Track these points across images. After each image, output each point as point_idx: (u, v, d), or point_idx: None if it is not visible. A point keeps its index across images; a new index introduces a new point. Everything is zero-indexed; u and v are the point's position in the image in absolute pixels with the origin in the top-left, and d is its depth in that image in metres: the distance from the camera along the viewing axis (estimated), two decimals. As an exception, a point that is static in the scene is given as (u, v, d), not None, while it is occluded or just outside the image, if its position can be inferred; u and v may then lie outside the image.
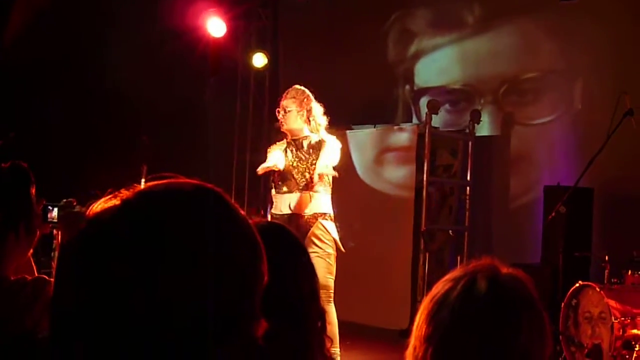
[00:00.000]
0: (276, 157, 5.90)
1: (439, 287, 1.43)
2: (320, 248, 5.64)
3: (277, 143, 6.09)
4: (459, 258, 8.32)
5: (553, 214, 6.34)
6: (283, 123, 5.96)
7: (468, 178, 8.62)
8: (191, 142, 9.59)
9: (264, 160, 5.95)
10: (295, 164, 5.88)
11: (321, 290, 5.02)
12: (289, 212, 5.80)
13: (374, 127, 8.78)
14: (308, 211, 5.76)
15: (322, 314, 2.03)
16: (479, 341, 1.37)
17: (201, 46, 9.19)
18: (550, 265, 6.89)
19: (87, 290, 1.01)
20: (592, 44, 7.88)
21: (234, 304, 1.06)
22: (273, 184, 6.08)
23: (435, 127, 8.43)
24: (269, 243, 1.16)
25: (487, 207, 8.74)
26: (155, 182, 1.11)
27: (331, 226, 5.75)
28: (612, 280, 6.16)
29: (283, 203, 5.87)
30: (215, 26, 9.20)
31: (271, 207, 6.11)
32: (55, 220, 3.05)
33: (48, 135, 8.66)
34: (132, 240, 1.02)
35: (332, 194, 5.83)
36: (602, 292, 5.90)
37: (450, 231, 8.63)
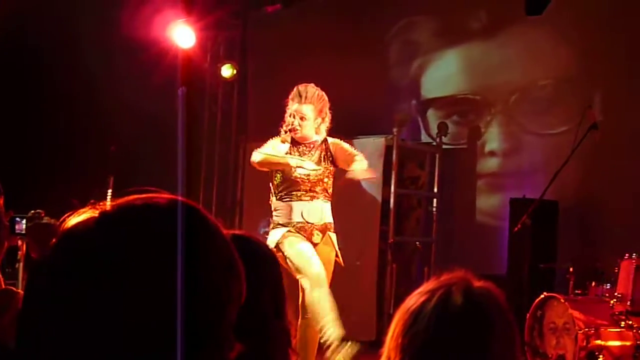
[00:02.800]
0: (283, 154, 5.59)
1: (414, 299, 1.45)
2: (325, 259, 5.49)
3: (275, 139, 5.75)
4: (426, 270, 8.36)
5: (519, 226, 6.41)
6: (297, 130, 5.57)
7: (435, 190, 8.67)
8: (159, 153, 9.54)
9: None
10: (304, 170, 5.54)
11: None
12: (302, 220, 5.52)
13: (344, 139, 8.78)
14: (319, 221, 5.56)
15: (287, 331, 2.02)
16: (454, 353, 1.39)
17: (170, 56, 9.16)
18: (516, 277, 6.96)
19: (58, 305, 0.99)
20: (557, 58, 7.97)
21: (207, 324, 1.04)
22: (274, 190, 5.71)
23: (403, 140, 8.48)
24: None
25: (454, 219, 8.80)
26: (134, 196, 1.09)
27: (335, 238, 5.64)
28: (577, 291, 6.24)
29: (294, 211, 5.53)
30: (184, 36, 9.17)
31: (271, 216, 5.76)
32: (24, 232, 3.02)
33: (15, 146, 8.57)
34: (108, 255, 1.01)
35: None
36: (566, 303, 5.96)
37: (417, 243, 8.67)
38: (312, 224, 5.52)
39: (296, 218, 5.51)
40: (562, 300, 6.00)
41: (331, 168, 5.67)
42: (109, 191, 7.57)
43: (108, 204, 1.08)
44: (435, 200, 8.68)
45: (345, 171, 5.73)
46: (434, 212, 8.68)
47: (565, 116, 7.78)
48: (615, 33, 7.54)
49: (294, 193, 5.54)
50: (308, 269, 5.33)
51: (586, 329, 5.80)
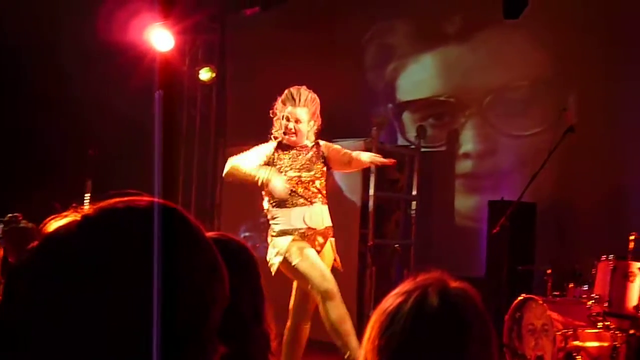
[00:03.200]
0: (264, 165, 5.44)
1: (390, 300, 1.45)
2: (327, 265, 5.38)
3: (263, 145, 5.59)
4: (405, 272, 8.38)
5: (497, 228, 6.44)
6: (292, 133, 5.44)
7: (414, 193, 8.70)
8: (137, 156, 9.50)
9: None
10: (297, 174, 5.42)
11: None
12: (304, 226, 5.38)
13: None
14: (320, 225, 5.44)
15: (266, 335, 2.00)
16: (431, 354, 1.39)
17: (148, 60, 9.12)
18: (495, 279, 6.98)
19: (38, 309, 0.99)
20: (531, 60, 8.02)
21: (190, 326, 1.04)
22: (268, 197, 5.51)
23: (382, 142, 8.49)
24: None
25: (433, 222, 8.82)
26: (116, 200, 1.08)
27: (334, 242, 5.57)
28: (555, 293, 6.27)
29: (294, 217, 5.38)
30: (162, 39, 9.15)
31: (266, 222, 5.61)
32: (0, 236, 2.99)
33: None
34: (91, 259, 1.00)
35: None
36: (544, 304, 5.99)
37: (396, 245, 8.69)
38: (315, 229, 5.40)
39: (298, 224, 5.36)
40: (541, 302, 6.03)
41: (324, 169, 5.56)
42: (87, 195, 7.54)
43: (89, 207, 1.07)
44: (414, 202, 8.70)
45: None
46: (413, 215, 8.70)
47: (539, 118, 7.86)
48: (590, 35, 7.60)
49: (291, 198, 5.39)
50: (321, 284, 5.19)
51: (564, 330, 5.84)
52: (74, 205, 1.08)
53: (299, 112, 5.42)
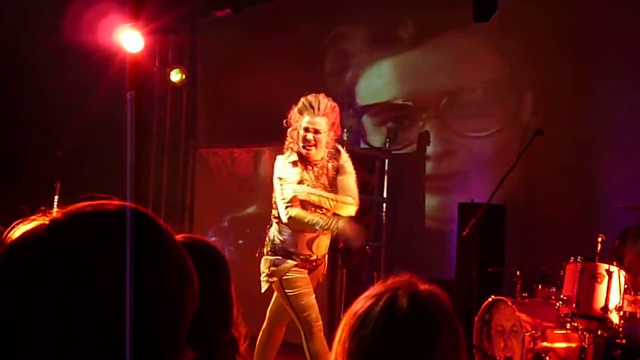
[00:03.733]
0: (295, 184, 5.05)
1: (361, 303, 1.46)
2: (315, 278, 5.30)
3: (283, 160, 5.15)
4: (375, 274, 8.40)
5: (467, 230, 6.47)
6: (310, 146, 5.02)
7: (385, 195, 8.72)
8: (107, 158, 9.45)
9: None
10: (318, 194, 5.09)
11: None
12: (309, 253, 5.17)
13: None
14: (323, 252, 5.27)
15: (233, 341, 1.99)
16: (401, 356, 1.40)
17: (118, 60, 9.06)
18: (465, 281, 7.02)
19: (5, 312, 0.98)
20: (507, 63, 8.08)
21: (160, 331, 1.03)
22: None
23: (352, 145, 8.51)
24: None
25: (403, 224, 8.86)
26: (85, 203, 1.07)
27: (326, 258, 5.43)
28: (523, 294, 6.32)
29: (302, 243, 5.11)
30: (132, 40, 9.09)
31: (267, 238, 5.29)
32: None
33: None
34: (58, 263, 0.99)
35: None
36: (513, 306, 6.04)
37: (367, 247, 8.70)
38: (318, 256, 5.22)
39: (303, 250, 5.12)
40: (510, 304, 6.07)
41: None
42: (56, 197, 7.47)
43: (58, 211, 1.06)
44: (384, 205, 8.73)
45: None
46: (384, 217, 8.73)
47: (494, 119, 8.00)
48: (544, 37, 7.70)
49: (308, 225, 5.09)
50: (308, 321, 5.07)
51: (533, 332, 5.88)
52: (42, 208, 1.07)
53: (318, 121, 5.01)
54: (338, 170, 5.19)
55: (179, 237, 1.68)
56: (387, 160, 8.71)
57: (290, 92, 9.14)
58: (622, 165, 7.13)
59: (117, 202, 1.08)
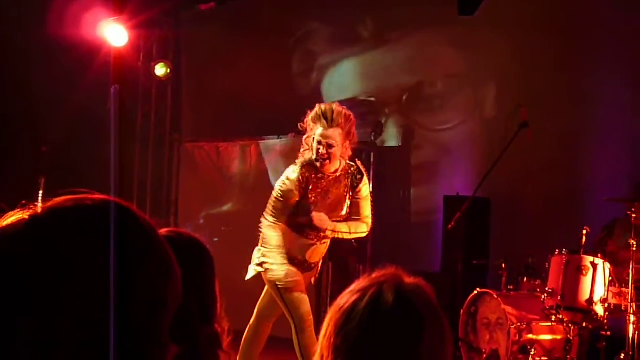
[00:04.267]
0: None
1: (346, 298, 1.46)
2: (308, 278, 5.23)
3: (292, 170, 5.01)
4: (361, 268, 8.40)
5: (452, 223, 6.49)
6: (324, 159, 4.88)
7: (371, 188, 8.71)
8: (91, 153, 9.40)
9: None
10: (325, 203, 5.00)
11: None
12: (305, 259, 5.12)
13: (278, 138, 8.80)
14: (318, 258, 5.22)
15: (216, 336, 1.97)
16: (387, 350, 1.40)
17: (102, 55, 9.02)
18: (450, 274, 7.04)
19: None
20: (491, 57, 8.11)
21: (142, 325, 1.02)
22: (286, 213, 5.06)
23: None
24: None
25: (390, 217, 8.86)
26: (65, 198, 1.06)
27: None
28: (509, 287, 6.35)
29: (301, 248, 5.08)
30: (116, 34, 9.05)
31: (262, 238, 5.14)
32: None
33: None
34: (38, 258, 0.98)
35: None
36: (499, 298, 6.06)
37: (353, 241, 8.70)
38: (311, 263, 5.18)
39: (300, 255, 5.08)
40: (495, 296, 6.10)
41: (347, 210, 5.17)
42: (40, 192, 7.43)
43: (37, 205, 1.05)
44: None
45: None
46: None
47: (455, 112, 8.14)
48: (528, 30, 7.75)
49: (308, 232, 5.07)
50: (299, 317, 5.02)
51: (518, 324, 5.91)
52: (22, 202, 1.06)
53: (331, 134, 4.84)
54: (353, 191, 5.12)
55: (163, 231, 1.67)
56: (372, 154, 8.71)
57: (277, 85, 9.20)
58: (607, 157, 7.17)
59: (97, 197, 1.07)
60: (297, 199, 4.98)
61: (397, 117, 8.88)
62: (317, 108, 4.92)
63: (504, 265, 6.44)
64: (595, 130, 7.34)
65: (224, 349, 2.02)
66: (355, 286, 1.48)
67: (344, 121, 4.84)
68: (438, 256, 7.76)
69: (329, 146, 4.83)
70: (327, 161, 4.88)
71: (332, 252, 8.18)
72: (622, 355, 5.61)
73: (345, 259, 8.72)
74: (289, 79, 9.69)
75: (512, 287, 6.36)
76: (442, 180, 8.37)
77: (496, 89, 8.14)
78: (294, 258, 5.07)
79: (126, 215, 1.06)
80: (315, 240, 5.09)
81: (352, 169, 5.12)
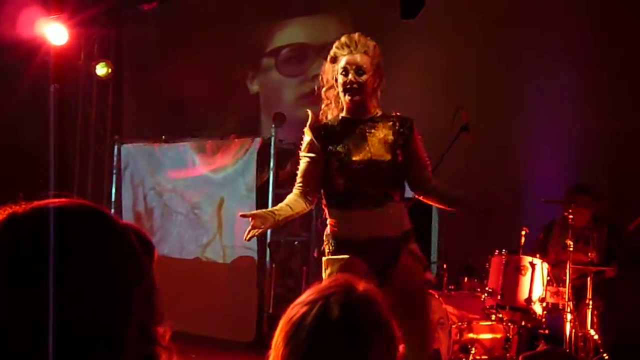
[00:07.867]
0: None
1: (296, 309, 1.48)
2: (415, 286, 4.04)
3: (307, 131, 3.92)
4: (305, 269, 8.41)
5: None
6: (353, 89, 3.77)
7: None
8: (32, 152, 9.26)
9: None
10: (364, 157, 3.84)
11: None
12: (366, 236, 3.87)
13: (221, 139, 8.74)
14: (390, 232, 3.98)
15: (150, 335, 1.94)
16: None
17: (42, 53, 8.88)
18: (392, 274, 7.08)
19: None
20: (430, 59, 8.19)
21: (111, 327, 1.03)
22: (328, 196, 3.98)
23: (281, 140, 8.49)
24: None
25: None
26: (20, 206, 1.06)
27: (418, 249, 4.15)
28: (450, 287, 6.43)
29: (353, 223, 3.88)
30: (56, 33, 8.91)
31: (321, 231, 4.17)
32: None
33: None
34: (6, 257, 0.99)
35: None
36: (440, 298, 6.13)
37: (295, 242, 8.72)
38: (380, 239, 3.98)
39: (359, 233, 3.91)
40: (437, 296, 6.16)
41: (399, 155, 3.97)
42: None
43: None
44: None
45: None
46: (312, 211, 8.72)
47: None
48: (462, 34, 7.88)
49: (353, 196, 3.91)
50: None
51: (459, 323, 5.98)
52: None
53: (359, 58, 3.78)
54: (405, 141, 3.97)
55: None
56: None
57: (218, 87, 9.15)
58: (546, 159, 7.29)
59: (64, 200, 1.08)
60: None
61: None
62: (334, 45, 3.89)
63: (445, 266, 6.52)
64: (533, 132, 7.47)
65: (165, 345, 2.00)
66: (305, 297, 1.50)
67: (371, 49, 3.84)
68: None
69: (358, 71, 3.78)
70: (357, 91, 3.80)
71: (274, 254, 8.19)
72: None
73: (288, 260, 8.73)
74: (231, 78, 9.65)
75: (453, 287, 6.43)
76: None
77: (434, 93, 8.21)
78: (355, 241, 3.94)
79: (98, 219, 1.07)
80: (373, 199, 3.98)
81: (394, 115, 4.01)
